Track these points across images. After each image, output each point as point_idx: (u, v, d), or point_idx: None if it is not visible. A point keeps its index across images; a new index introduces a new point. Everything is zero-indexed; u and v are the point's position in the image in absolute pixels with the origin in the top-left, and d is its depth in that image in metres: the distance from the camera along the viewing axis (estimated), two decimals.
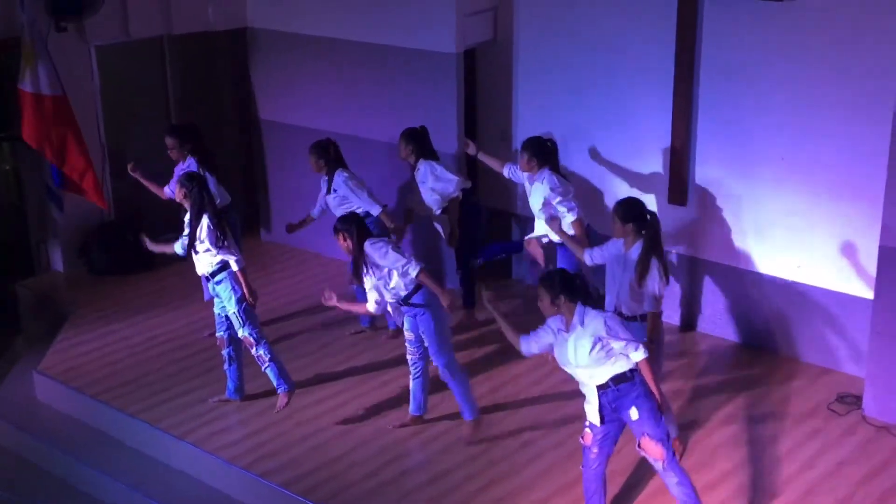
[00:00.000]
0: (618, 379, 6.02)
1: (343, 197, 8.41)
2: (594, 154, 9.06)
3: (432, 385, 7.58)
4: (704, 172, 8.50)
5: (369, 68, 9.66)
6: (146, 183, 8.89)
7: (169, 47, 10.74)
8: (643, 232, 6.82)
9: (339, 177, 8.45)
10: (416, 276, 7.04)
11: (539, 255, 8.02)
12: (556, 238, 8.15)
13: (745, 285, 8.54)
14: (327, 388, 8.16)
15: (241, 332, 7.66)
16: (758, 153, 8.18)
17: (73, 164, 9.37)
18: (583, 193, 8.61)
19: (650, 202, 8.35)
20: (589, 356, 5.96)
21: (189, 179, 7.57)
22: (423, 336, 7.24)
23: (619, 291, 6.91)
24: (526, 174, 8.22)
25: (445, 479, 7.06)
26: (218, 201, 7.96)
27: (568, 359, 6.07)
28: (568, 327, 6.04)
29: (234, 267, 7.52)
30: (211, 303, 8.00)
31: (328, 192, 8.50)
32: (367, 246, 7.09)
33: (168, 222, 9.60)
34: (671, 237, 8.52)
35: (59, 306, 9.81)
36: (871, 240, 7.58)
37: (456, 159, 9.14)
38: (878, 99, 7.40)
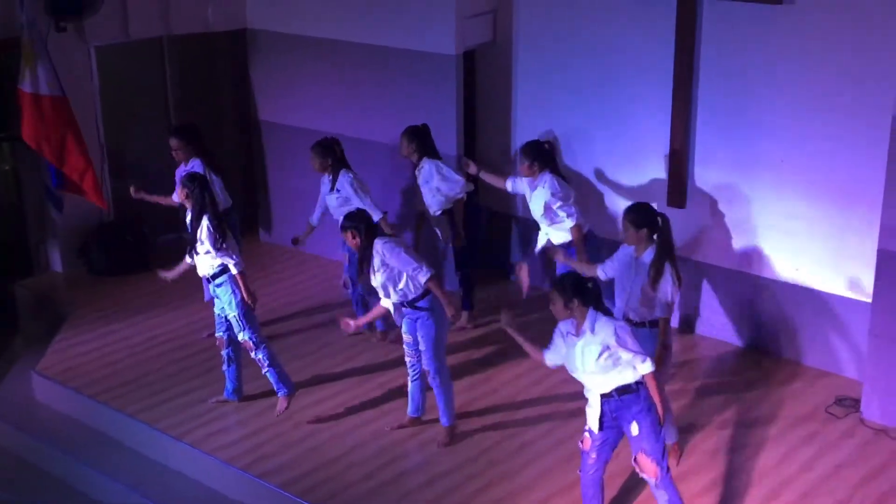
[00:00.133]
0: (622, 390, 5.99)
1: (345, 198, 8.39)
2: (593, 156, 9.06)
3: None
4: (704, 175, 8.51)
5: (369, 70, 9.67)
6: (153, 199, 8.83)
7: (168, 48, 10.74)
8: (654, 236, 6.80)
9: (345, 177, 8.44)
10: (426, 282, 7.05)
11: (525, 282, 7.76)
12: (556, 240, 8.17)
13: (743, 288, 8.55)
14: (326, 389, 8.16)
15: (241, 336, 7.66)
16: (757, 156, 8.19)
17: (72, 165, 9.36)
18: (582, 195, 8.62)
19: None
20: (595, 363, 5.93)
21: (191, 180, 7.56)
22: (420, 339, 7.24)
23: (628, 297, 6.85)
24: (526, 180, 8.20)
25: (444, 479, 7.06)
26: (220, 204, 7.95)
27: (575, 364, 6.05)
28: (578, 332, 6.01)
29: (233, 270, 7.51)
30: (211, 303, 8.00)
31: (331, 190, 8.48)
32: (381, 245, 7.07)
33: (168, 223, 9.63)
34: None
35: (58, 306, 9.81)
36: (869, 243, 7.59)
37: (456, 160, 9.14)
38: (877, 102, 7.41)
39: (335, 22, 9.75)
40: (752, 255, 8.44)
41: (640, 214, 6.87)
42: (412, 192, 9.20)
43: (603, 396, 6.03)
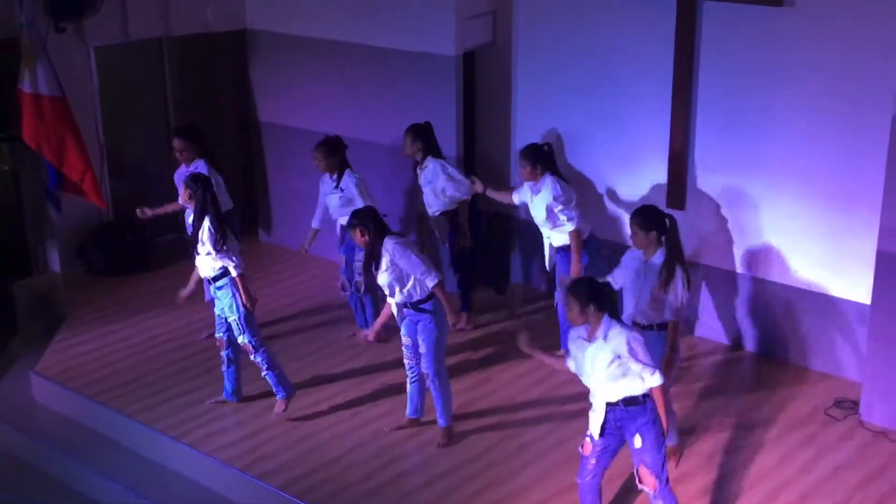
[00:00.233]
0: (629, 401, 5.96)
1: (348, 198, 8.39)
2: (593, 157, 9.06)
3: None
4: (703, 176, 8.51)
5: (369, 70, 9.67)
6: (161, 211, 8.81)
7: (168, 48, 10.73)
8: (662, 238, 6.79)
9: (351, 177, 8.43)
10: (433, 287, 7.04)
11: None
12: (556, 243, 8.17)
13: (742, 290, 8.55)
14: (325, 390, 8.16)
15: (241, 339, 7.66)
16: (757, 157, 8.19)
17: (72, 165, 9.36)
18: (581, 196, 8.59)
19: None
20: (605, 370, 5.89)
21: (195, 181, 7.55)
22: (420, 342, 7.23)
23: (637, 301, 6.81)
24: (528, 184, 8.19)
25: (443, 480, 7.06)
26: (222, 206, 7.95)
27: (584, 368, 6.01)
28: (590, 337, 5.96)
29: (233, 273, 7.50)
30: (211, 303, 8.00)
31: (336, 187, 8.46)
32: (391, 244, 7.05)
33: (167, 223, 9.62)
34: None
35: (57, 307, 9.80)
36: (869, 244, 7.58)
37: (455, 161, 9.13)
38: (876, 104, 7.41)
39: (335, 22, 9.75)
40: (752, 257, 8.44)
41: (648, 217, 6.85)
42: (412, 194, 9.19)
43: (608, 405, 6.00)
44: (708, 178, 8.49)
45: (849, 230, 7.87)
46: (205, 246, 7.47)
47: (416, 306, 7.14)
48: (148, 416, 7.85)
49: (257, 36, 10.36)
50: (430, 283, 7.03)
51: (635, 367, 5.88)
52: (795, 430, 7.54)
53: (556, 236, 8.17)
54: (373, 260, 7.13)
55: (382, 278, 7.12)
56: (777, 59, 7.88)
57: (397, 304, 7.22)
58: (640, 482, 6.13)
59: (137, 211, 8.80)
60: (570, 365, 6.16)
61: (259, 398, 7.98)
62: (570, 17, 8.91)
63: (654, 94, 8.50)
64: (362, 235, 7.11)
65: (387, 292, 7.19)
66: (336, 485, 7.04)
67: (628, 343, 5.85)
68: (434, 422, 7.51)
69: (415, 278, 7.05)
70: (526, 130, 9.32)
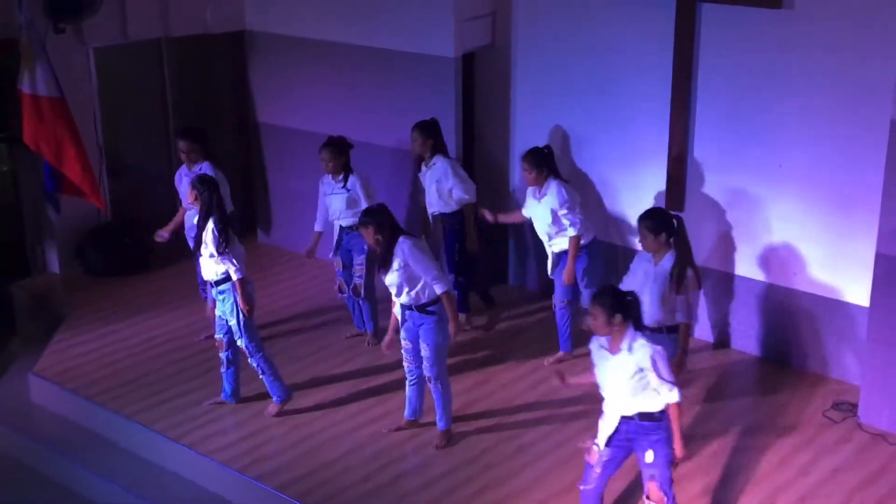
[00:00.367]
0: (645, 416, 5.92)
1: (353, 200, 8.38)
2: (592, 158, 9.06)
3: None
4: (702, 179, 8.51)
5: (368, 72, 9.66)
6: (174, 225, 8.77)
7: (167, 49, 10.73)
8: (671, 240, 6.77)
9: (356, 178, 8.42)
10: (442, 294, 7.01)
11: None
12: (557, 249, 8.16)
13: (741, 292, 8.54)
14: (323, 391, 8.15)
15: (239, 343, 7.66)
16: (755, 160, 8.19)
17: (71, 166, 9.35)
18: (580, 197, 8.60)
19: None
20: (626, 382, 5.84)
21: (201, 182, 7.54)
22: (423, 345, 7.20)
23: (648, 304, 6.77)
24: (531, 190, 8.17)
25: (441, 482, 7.06)
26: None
27: (605, 378, 5.97)
28: (613, 348, 5.90)
29: (233, 276, 7.49)
30: (213, 303, 7.99)
31: (343, 187, 8.44)
32: (407, 245, 6.99)
33: (166, 224, 9.56)
34: None
35: (56, 307, 9.79)
36: (867, 247, 7.58)
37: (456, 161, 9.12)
38: (875, 106, 7.41)
39: (334, 24, 9.74)
40: (750, 259, 8.43)
41: (657, 220, 6.84)
42: (412, 195, 9.19)
43: (623, 417, 5.96)
44: (707, 181, 8.49)
45: (847, 232, 7.87)
46: (207, 248, 7.47)
47: (421, 308, 7.12)
48: (146, 416, 7.85)
49: (256, 37, 10.35)
50: (440, 290, 7.00)
51: (654, 382, 5.83)
52: (794, 433, 7.53)
53: (557, 242, 8.16)
54: (385, 259, 7.05)
55: (391, 278, 7.06)
56: (776, 60, 7.89)
57: (401, 305, 7.21)
58: (648, 497, 6.11)
59: (156, 237, 8.76)
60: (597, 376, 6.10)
61: (257, 399, 7.97)
62: (569, 19, 8.91)
63: (654, 95, 8.49)
64: (376, 234, 7.03)
65: (393, 292, 7.15)
66: (334, 486, 7.04)
67: (652, 357, 5.81)
68: (433, 423, 7.51)
69: (424, 282, 7.03)
70: (525, 131, 9.32)
